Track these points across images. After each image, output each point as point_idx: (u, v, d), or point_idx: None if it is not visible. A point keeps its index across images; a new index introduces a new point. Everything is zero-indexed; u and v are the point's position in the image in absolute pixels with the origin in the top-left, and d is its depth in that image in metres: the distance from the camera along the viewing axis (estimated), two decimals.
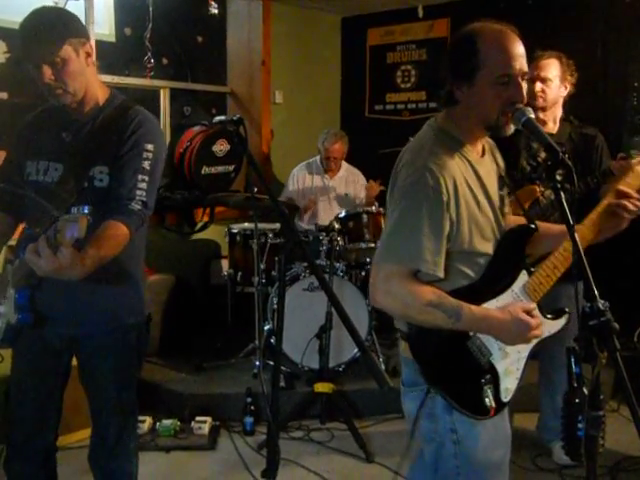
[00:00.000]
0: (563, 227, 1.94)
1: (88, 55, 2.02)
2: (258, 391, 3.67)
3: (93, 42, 4.34)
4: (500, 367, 1.77)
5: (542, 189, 2.83)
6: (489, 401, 1.73)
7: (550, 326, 1.80)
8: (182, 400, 3.79)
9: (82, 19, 4.23)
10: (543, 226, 1.88)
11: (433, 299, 1.64)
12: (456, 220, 1.67)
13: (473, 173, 1.75)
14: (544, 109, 3.02)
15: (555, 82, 2.98)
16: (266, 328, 4.09)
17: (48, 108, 2.16)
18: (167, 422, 3.60)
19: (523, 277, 1.79)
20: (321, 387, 3.67)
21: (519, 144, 3.03)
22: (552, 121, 3.05)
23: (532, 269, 1.81)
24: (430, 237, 1.63)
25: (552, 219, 2.96)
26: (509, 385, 1.80)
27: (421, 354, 1.73)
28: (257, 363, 3.97)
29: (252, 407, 3.63)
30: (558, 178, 1.65)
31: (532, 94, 2.97)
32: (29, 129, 2.17)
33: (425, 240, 1.62)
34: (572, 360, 1.57)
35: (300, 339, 3.78)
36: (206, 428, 3.59)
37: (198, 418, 3.64)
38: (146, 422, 3.60)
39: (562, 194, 1.62)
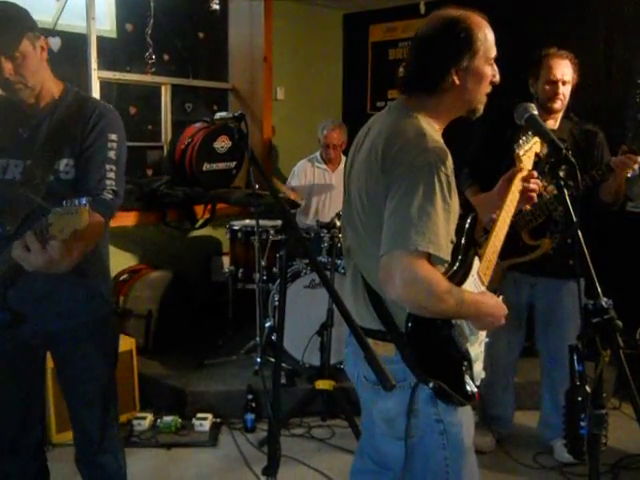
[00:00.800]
0: (483, 197, 2.12)
1: (42, 49, 2.02)
2: (259, 388, 3.67)
3: (94, 38, 4.36)
4: (473, 352, 1.80)
5: (545, 184, 2.83)
6: (470, 387, 1.76)
7: None
8: (183, 397, 3.79)
9: (83, 15, 4.28)
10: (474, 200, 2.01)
11: (448, 286, 1.63)
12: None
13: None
14: (559, 111, 3.01)
15: (571, 84, 2.98)
16: (267, 325, 4.08)
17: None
18: (168, 419, 3.60)
19: (477, 262, 1.84)
20: (322, 384, 3.66)
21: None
22: (554, 118, 3.04)
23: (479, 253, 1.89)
24: (443, 221, 1.60)
25: (555, 214, 2.96)
26: (479, 368, 1.85)
27: (416, 351, 1.71)
28: (258, 360, 3.97)
29: (253, 404, 3.62)
30: (561, 175, 1.65)
31: (551, 95, 2.96)
32: None
33: (440, 225, 1.59)
34: (574, 358, 1.57)
35: (301, 336, 3.78)
36: (207, 425, 3.59)
37: (199, 415, 3.64)
38: (147, 418, 3.61)
39: (565, 191, 1.62)
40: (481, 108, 1.79)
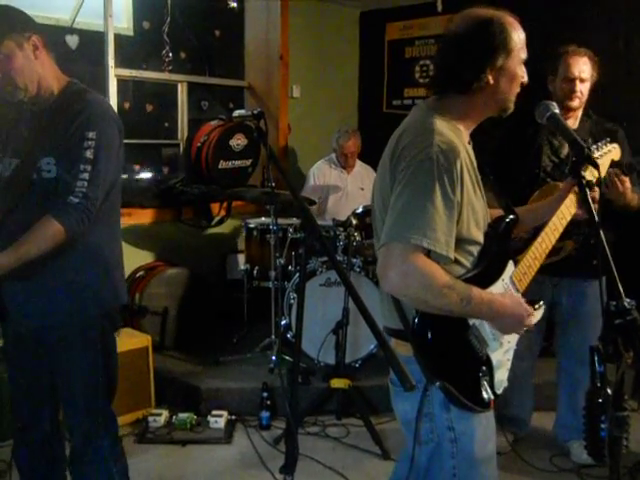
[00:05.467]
0: (537, 204, 2.06)
1: (36, 48, 2.01)
2: (274, 385, 3.67)
3: (111, 35, 4.37)
4: (494, 358, 1.76)
5: None
6: (487, 393, 1.72)
7: (534, 318, 1.80)
8: (198, 394, 3.80)
9: (100, 13, 4.30)
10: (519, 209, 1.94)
11: (449, 280, 1.60)
12: (460, 202, 1.64)
13: (468, 159, 1.72)
14: (577, 109, 2.97)
15: (590, 82, 2.93)
16: (282, 323, 4.08)
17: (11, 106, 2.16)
18: (183, 416, 3.61)
19: (510, 267, 1.79)
20: (337, 383, 3.66)
21: (541, 140, 2.99)
22: (573, 117, 3.00)
23: (517, 258, 1.84)
24: (442, 216, 1.58)
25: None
26: (502, 377, 1.80)
27: (423, 348, 1.68)
28: (273, 358, 3.97)
29: (268, 402, 3.62)
30: (583, 174, 1.63)
31: (568, 93, 2.92)
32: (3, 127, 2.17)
33: (438, 219, 1.57)
34: (596, 359, 1.55)
35: (316, 334, 3.78)
36: (222, 422, 3.59)
37: (214, 412, 3.64)
38: (162, 415, 3.62)
39: (587, 190, 1.60)
40: (512, 107, 1.77)
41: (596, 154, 2.01)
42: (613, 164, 2.10)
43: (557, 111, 1.78)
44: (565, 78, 2.92)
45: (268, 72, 5.42)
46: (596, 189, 1.91)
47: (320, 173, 4.85)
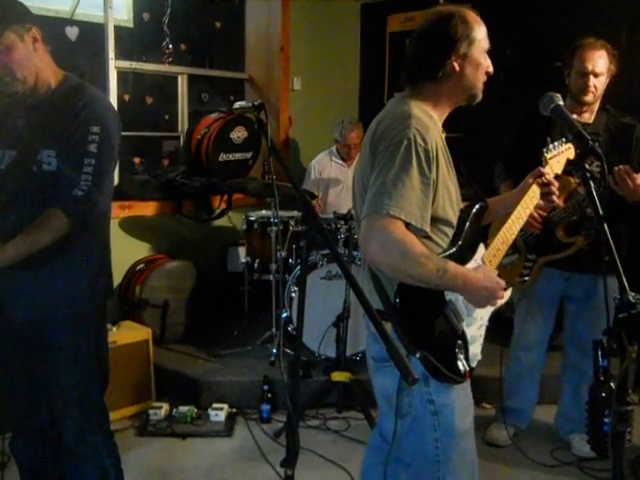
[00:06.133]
0: (505, 195, 2.17)
1: (35, 40, 2.01)
2: (275, 378, 3.67)
3: (111, 27, 4.34)
4: (469, 333, 1.85)
5: (579, 181, 2.77)
6: (462, 365, 1.80)
7: (506, 293, 1.87)
8: (199, 387, 3.80)
9: (101, 4, 4.26)
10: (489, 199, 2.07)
11: (425, 250, 1.69)
12: (436, 181, 1.74)
13: (442, 143, 1.83)
14: (591, 104, 2.94)
15: (605, 76, 2.90)
16: (283, 316, 4.08)
17: (4, 96, 2.15)
18: (184, 409, 3.61)
19: (481, 249, 1.90)
20: (338, 376, 3.66)
21: (554, 134, 2.96)
22: (589, 111, 2.97)
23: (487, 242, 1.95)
24: (419, 192, 1.68)
25: (589, 212, 2.86)
26: (476, 350, 1.89)
27: (404, 321, 1.74)
28: (274, 351, 3.97)
29: (269, 395, 3.62)
30: (587, 167, 1.62)
31: (582, 88, 2.89)
32: None
33: (414, 194, 1.67)
34: (599, 353, 1.55)
35: (317, 327, 3.77)
36: (223, 415, 3.59)
37: (215, 405, 3.64)
38: (163, 408, 3.62)
39: (591, 183, 1.59)
40: (479, 94, 1.88)
41: (550, 154, 2.06)
42: (570, 162, 2.11)
43: (561, 103, 1.77)
44: (579, 72, 2.88)
45: (269, 64, 5.39)
46: (555, 184, 2.00)
47: (321, 166, 4.83)
